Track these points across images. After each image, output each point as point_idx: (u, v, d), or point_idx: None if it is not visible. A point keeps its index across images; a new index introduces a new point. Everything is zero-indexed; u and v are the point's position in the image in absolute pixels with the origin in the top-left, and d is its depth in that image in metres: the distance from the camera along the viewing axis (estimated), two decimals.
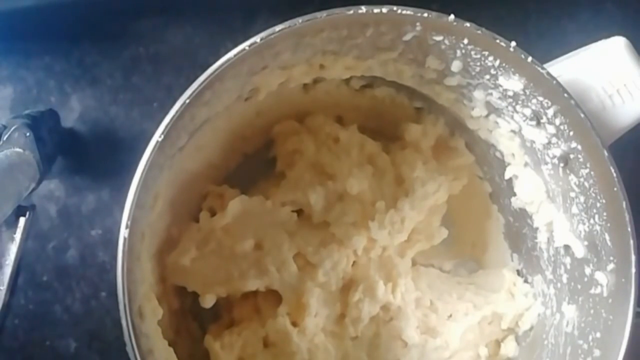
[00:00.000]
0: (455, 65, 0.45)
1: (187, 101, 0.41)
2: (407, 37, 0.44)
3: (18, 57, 0.57)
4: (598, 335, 0.44)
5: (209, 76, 0.41)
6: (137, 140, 0.57)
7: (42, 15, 0.57)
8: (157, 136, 0.40)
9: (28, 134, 0.48)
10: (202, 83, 0.41)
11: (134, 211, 0.40)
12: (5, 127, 0.49)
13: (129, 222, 0.40)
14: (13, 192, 0.46)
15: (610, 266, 0.43)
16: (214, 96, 0.44)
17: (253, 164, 0.57)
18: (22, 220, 0.49)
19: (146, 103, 0.58)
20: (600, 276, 0.44)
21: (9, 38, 0.57)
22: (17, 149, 0.47)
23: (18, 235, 0.48)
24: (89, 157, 0.58)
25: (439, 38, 0.43)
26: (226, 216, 0.52)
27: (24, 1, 0.55)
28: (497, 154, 0.52)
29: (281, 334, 0.52)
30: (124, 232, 0.40)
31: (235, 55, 0.41)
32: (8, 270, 0.47)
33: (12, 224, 0.48)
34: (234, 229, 0.52)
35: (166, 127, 0.40)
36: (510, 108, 0.46)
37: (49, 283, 0.57)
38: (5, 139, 0.48)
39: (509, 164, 0.52)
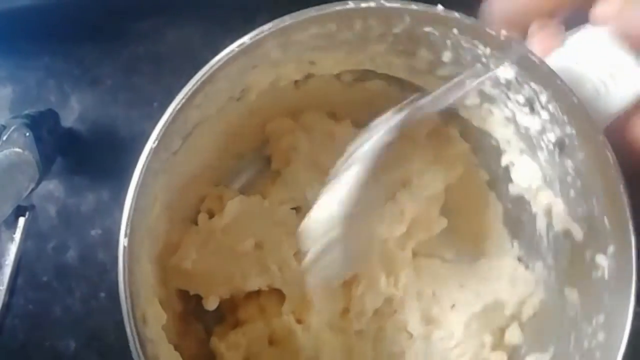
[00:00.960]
0: (446, 56, 0.45)
1: (178, 107, 0.41)
2: (397, 29, 0.43)
3: (18, 57, 0.57)
4: (601, 318, 0.44)
5: (198, 80, 0.41)
6: (137, 141, 0.55)
7: (42, 15, 0.57)
8: (151, 143, 0.40)
9: (27, 134, 0.48)
10: (192, 87, 0.41)
11: (133, 217, 0.40)
12: (4, 127, 0.49)
13: (127, 230, 0.40)
14: (12, 192, 0.47)
15: (610, 249, 0.43)
16: (206, 99, 0.43)
17: (249, 163, 0.57)
18: (21, 220, 0.49)
19: (146, 103, 0.58)
20: (600, 259, 0.44)
21: (9, 38, 0.57)
22: (17, 149, 0.47)
23: (17, 235, 0.48)
24: (88, 157, 0.58)
25: (429, 29, 0.43)
26: (225, 217, 0.52)
27: (24, 1, 0.55)
28: (493, 141, 0.52)
29: (286, 331, 0.52)
30: (123, 241, 0.40)
31: (224, 57, 0.41)
32: (8, 270, 0.47)
33: (11, 224, 0.48)
34: (234, 229, 0.52)
35: (159, 133, 0.40)
36: (503, 96, 0.46)
37: (48, 283, 0.57)
38: (4, 139, 0.48)
39: (504, 151, 0.51)
